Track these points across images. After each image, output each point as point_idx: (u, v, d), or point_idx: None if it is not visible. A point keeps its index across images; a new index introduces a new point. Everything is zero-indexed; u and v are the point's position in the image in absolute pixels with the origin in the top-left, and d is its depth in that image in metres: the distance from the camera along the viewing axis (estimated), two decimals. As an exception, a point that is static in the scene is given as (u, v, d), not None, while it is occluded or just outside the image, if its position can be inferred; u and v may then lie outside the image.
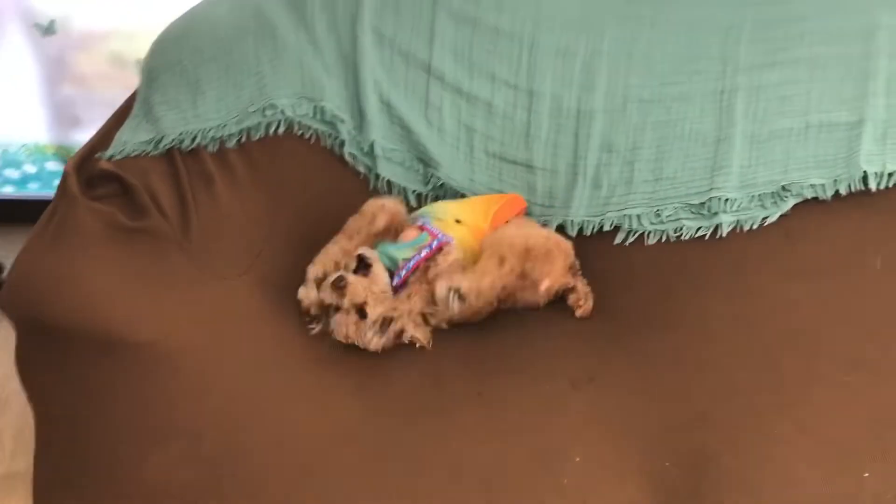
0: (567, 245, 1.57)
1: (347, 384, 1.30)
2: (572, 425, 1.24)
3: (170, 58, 1.70)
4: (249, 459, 1.14)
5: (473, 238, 1.56)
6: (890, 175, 1.48)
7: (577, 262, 1.58)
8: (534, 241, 1.50)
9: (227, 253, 1.45)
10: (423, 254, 1.48)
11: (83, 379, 1.18)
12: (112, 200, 1.39)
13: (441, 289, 1.40)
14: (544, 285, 1.49)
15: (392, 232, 1.58)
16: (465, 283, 1.40)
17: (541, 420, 1.25)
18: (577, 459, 1.17)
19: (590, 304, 1.51)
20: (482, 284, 1.42)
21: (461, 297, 1.40)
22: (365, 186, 1.76)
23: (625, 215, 1.65)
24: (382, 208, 1.58)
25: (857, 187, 1.50)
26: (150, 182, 1.44)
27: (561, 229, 1.70)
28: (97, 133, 1.61)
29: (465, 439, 1.20)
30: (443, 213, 1.60)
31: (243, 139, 1.63)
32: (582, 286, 1.54)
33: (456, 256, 1.47)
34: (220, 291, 1.37)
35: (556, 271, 1.50)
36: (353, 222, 1.58)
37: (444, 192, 1.78)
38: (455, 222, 1.58)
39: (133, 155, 1.53)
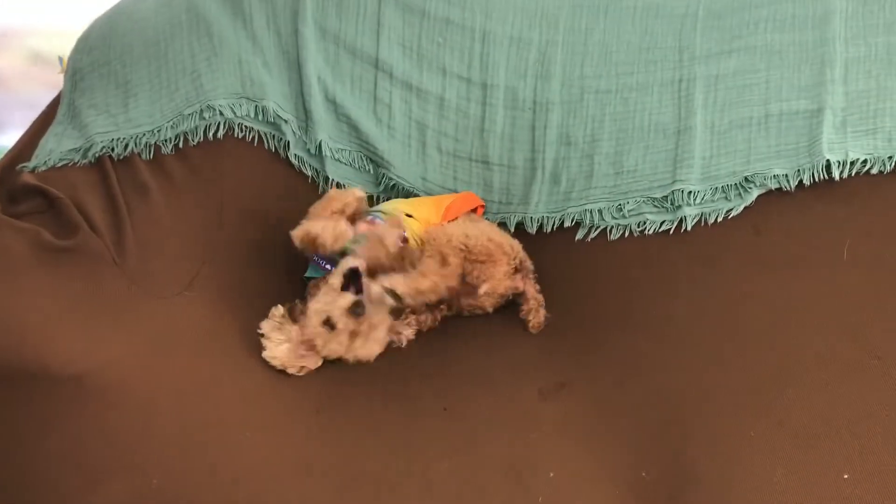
0: (512, 246, 1.49)
1: (306, 407, 1.23)
2: (544, 438, 1.20)
3: (97, 57, 1.59)
4: (203, 496, 1.07)
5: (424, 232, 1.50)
6: (852, 163, 1.47)
7: (530, 264, 1.53)
8: (474, 242, 1.43)
9: (166, 269, 1.37)
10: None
11: (13, 418, 1.09)
12: (37, 217, 1.30)
13: (376, 288, 1.33)
14: (483, 289, 1.43)
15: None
16: (400, 285, 1.34)
17: (511, 433, 1.21)
18: (552, 474, 1.13)
19: (540, 317, 1.44)
20: (421, 286, 1.35)
21: (397, 297, 1.34)
22: (314, 189, 1.68)
23: (586, 210, 1.61)
24: (354, 197, 1.49)
25: (821, 176, 1.48)
26: (79, 195, 1.34)
27: (520, 227, 1.66)
28: (18, 141, 1.51)
29: (433, 459, 1.14)
30: (393, 210, 1.54)
31: (180, 143, 1.54)
32: (533, 293, 1.47)
33: (398, 233, 1.42)
34: (160, 312, 1.28)
35: (497, 274, 1.44)
36: (320, 208, 1.47)
37: (396, 193, 1.73)
38: (405, 216, 1.51)
39: (59, 165, 1.43)
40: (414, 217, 1.52)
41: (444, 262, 1.38)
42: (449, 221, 1.53)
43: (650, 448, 1.17)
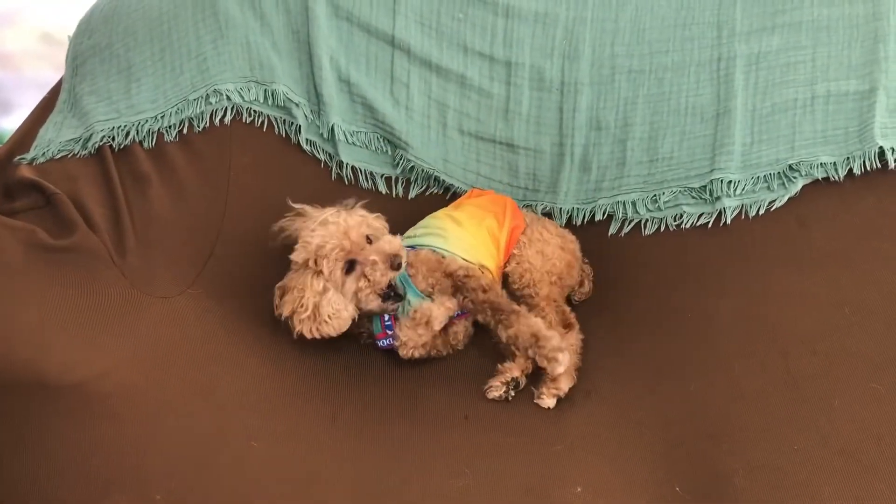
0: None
1: (320, 415, 1.19)
2: (571, 449, 1.15)
3: (98, 40, 1.55)
4: (210, 512, 1.04)
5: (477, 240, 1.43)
6: (908, 150, 1.40)
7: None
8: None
9: (168, 266, 1.33)
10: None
11: (12, 428, 1.06)
12: (33, 214, 1.26)
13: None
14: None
15: None
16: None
17: (535, 445, 1.17)
18: (579, 489, 1.09)
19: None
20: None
21: None
22: (327, 174, 1.63)
23: (618, 202, 1.56)
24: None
25: (873, 165, 1.42)
26: (77, 189, 1.31)
27: (548, 217, 1.60)
28: (17, 130, 1.47)
29: (452, 475, 1.10)
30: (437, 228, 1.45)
31: (185, 130, 1.49)
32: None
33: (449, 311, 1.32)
34: (162, 313, 1.24)
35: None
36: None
37: (416, 175, 1.67)
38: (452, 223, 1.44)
39: (58, 157, 1.39)
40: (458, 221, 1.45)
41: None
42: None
43: (684, 461, 1.13)
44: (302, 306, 1.23)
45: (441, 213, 1.50)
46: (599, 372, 1.29)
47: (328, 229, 1.25)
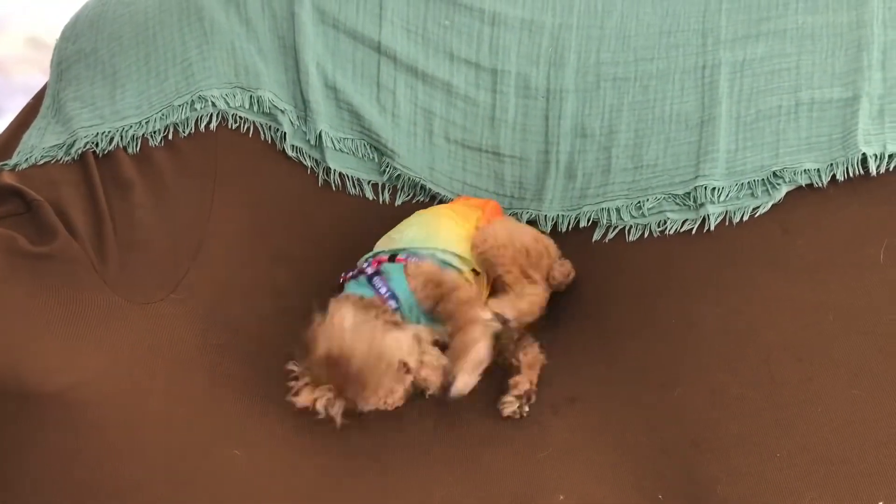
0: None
1: (305, 424, 1.17)
2: (554, 457, 1.16)
3: (83, 46, 1.55)
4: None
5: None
6: (891, 157, 1.41)
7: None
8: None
9: (150, 272, 1.33)
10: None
11: (-8, 437, 1.06)
12: (13, 220, 1.26)
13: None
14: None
15: None
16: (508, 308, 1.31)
17: (518, 453, 1.17)
18: (561, 497, 1.09)
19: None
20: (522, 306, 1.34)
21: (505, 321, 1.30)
22: (313, 180, 1.64)
23: (603, 209, 1.56)
24: None
25: (856, 171, 1.42)
26: (59, 195, 1.31)
27: (533, 224, 1.60)
28: (0, 136, 1.46)
29: (435, 483, 1.11)
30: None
31: (170, 135, 1.49)
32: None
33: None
34: (144, 320, 1.24)
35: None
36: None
37: (402, 182, 1.67)
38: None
39: (41, 163, 1.39)
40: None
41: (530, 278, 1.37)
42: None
43: (667, 469, 1.13)
44: None
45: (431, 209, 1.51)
46: (583, 379, 1.29)
47: None
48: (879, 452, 1.07)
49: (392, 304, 1.27)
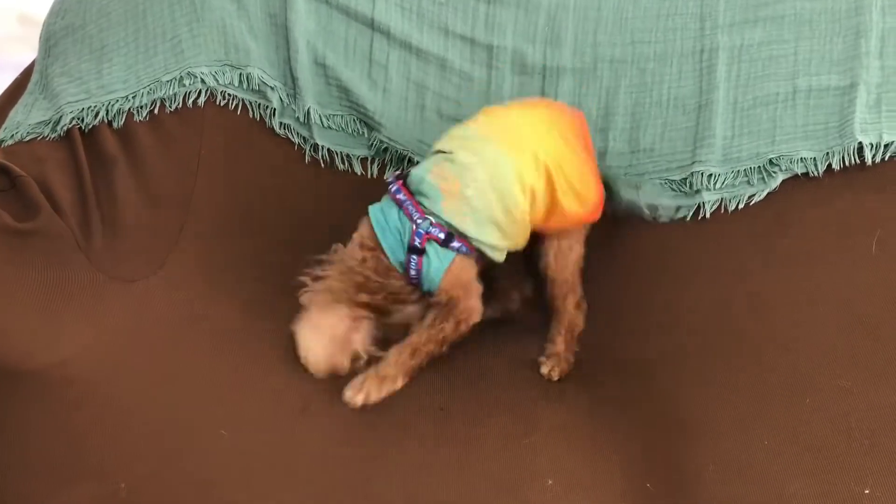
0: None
1: (289, 405, 1.19)
2: (542, 442, 1.17)
3: (71, 20, 1.54)
4: (175, 502, 1.04)
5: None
6: (886, 146, 1.41)
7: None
8: None
9: (136, 248, 1.32)
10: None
11: (-26, 414, 1.06)
12: (-3, 197, 1.25)
13: None
14: None
15: None
16: None
17: (508, 436, 1.18)
18: (550, 482, 1.10)
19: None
20: None
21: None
22: (300, 157, 1.63)
23: None
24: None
25: (852, 161, 1.42)
26: (44, 172, 1.30)
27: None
28: (-15, 115, 1.46)
29: (422, 465, 1.12)
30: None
31: (156, 110, 1.49)
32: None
33: None
34: (129, 298, 1.24)
35: None
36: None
37: (389, 156, 1.66)
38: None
39: (27, 139, 1.38)
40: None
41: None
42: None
43: (655, 457, 1.15)
44: None
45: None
46: (574, 366, 1.31)
47: None
48: (867, 443, 1.08)
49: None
